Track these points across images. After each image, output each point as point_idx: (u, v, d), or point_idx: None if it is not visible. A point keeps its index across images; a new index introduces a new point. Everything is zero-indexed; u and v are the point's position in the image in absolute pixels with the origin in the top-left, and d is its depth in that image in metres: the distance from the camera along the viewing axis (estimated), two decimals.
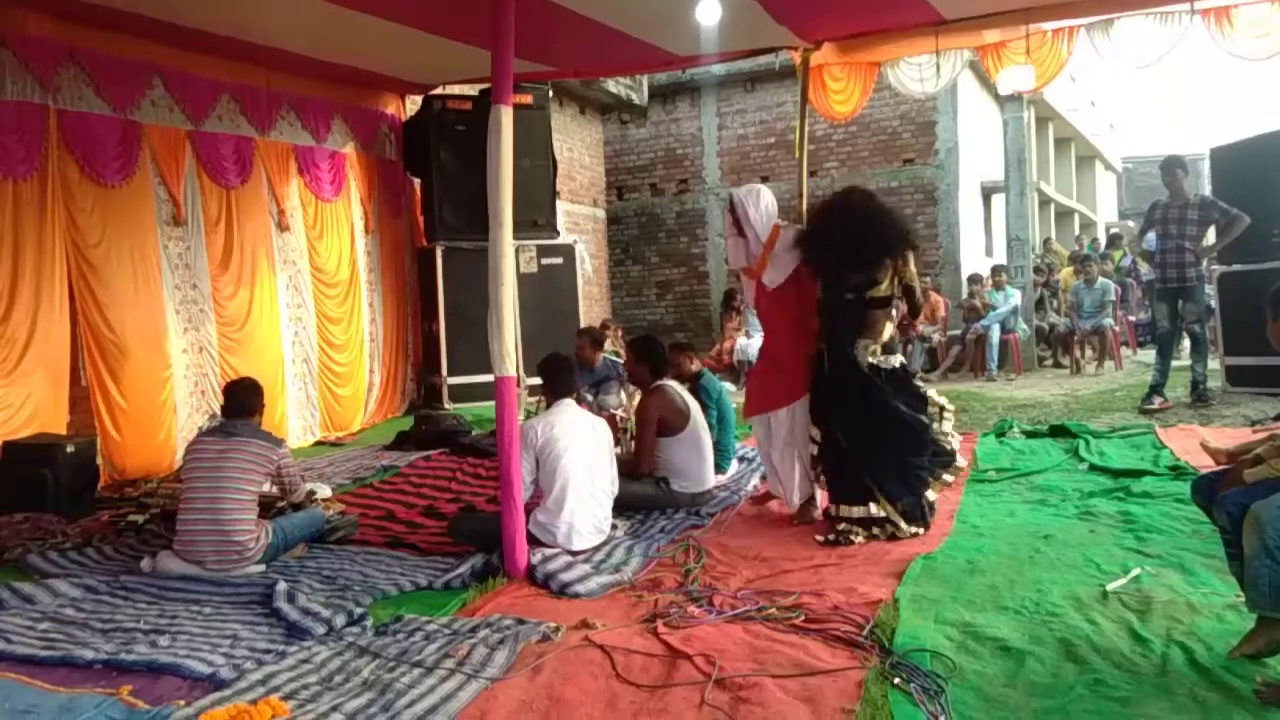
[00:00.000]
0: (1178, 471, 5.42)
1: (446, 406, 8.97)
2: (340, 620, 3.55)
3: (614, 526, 4.70)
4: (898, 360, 4.79)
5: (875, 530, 4.54)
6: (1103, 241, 18.91)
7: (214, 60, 7.37)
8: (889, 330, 4.76)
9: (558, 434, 4.45)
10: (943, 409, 4.91)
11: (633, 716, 2.73)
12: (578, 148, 14.27)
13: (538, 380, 4.98)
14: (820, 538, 4.55)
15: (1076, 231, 20.96)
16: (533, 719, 2.75)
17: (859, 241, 4.60)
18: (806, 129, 8.09)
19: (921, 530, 4.55)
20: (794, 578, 3.95)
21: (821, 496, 4.96)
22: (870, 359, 4.65)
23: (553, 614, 3.57)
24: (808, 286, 4.82)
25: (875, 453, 4.60)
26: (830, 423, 4.74)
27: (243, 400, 4.60)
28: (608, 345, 8.50)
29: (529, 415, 5.94)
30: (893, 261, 4.68)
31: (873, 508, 4.55)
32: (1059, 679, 2.83)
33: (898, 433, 4.63)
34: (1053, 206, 20.47)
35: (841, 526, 4.57)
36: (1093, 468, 5.76)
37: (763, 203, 4.93)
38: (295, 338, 8.25)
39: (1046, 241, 16.74)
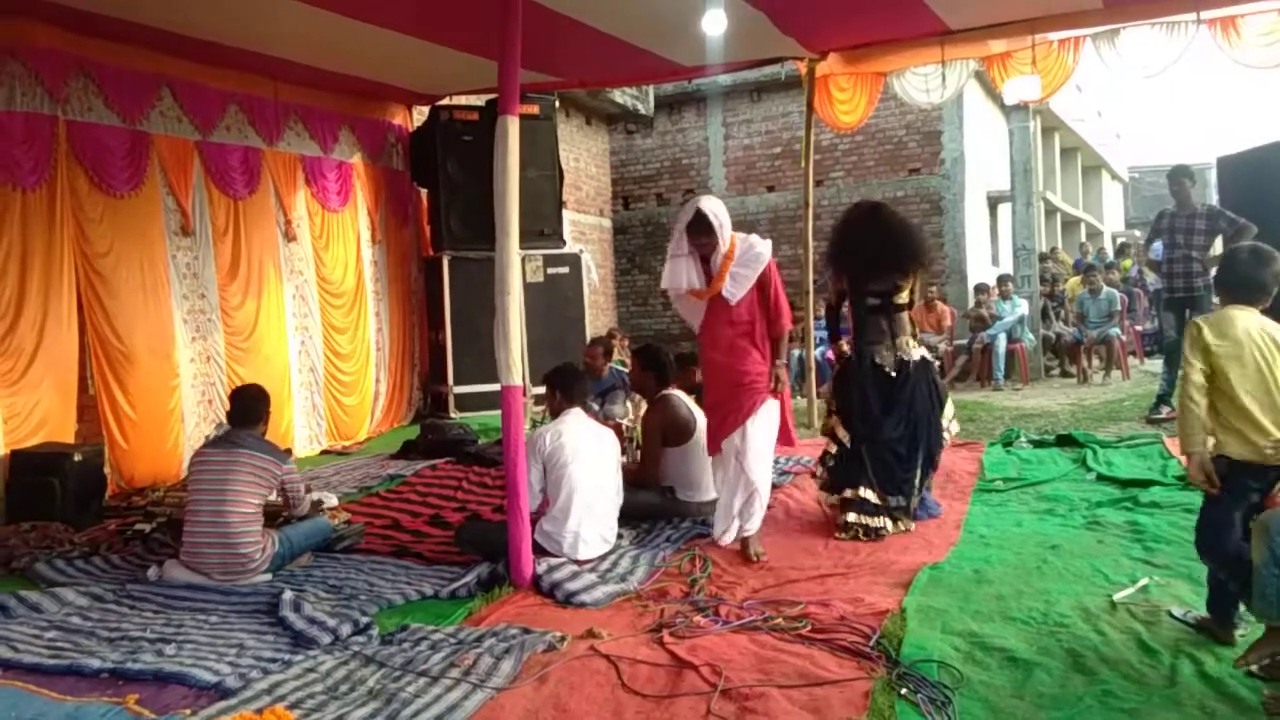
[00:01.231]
0: (1185, 481, 5.40)
1: (452, 416, 8.97)
2: (346, 629, 3.56)
3: (620, 536, 4.69)
4: (920, 351, 5.09)
5: (880, 521, 4.78)
6: (1110, 251, 18.90)
7: (222, 71, 7.41)
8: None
9: (565, 443, 4.45)
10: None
11: None
12: (584, 158, 14.31)
13: (541, 389, 4.97)
14: (840, 535, 4.76)
15: (1083, 240, 20.92)
16: None
17: (889, 252, 4.97)
18: (812, 139, 8.11)
19: (912, 526, 4.86)
20: (800, 587, 3.94)
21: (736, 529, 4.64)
22: (905, 354, 4.98)
23: (558, 623, 3.56)
24: (767, 297, 4.61)
25: (882, 450, 4.90)
26: (857, 421, 4.96)
27: (249, 408, 4.60)
28: (614, 355, 8.51)
29: (535, 424, 5.94)
30: (915, 273, 5.07)
31: (870, 494, 4.83)
32: (1067, 690, 2.82)
33: (904, 433, 4.92)
34: (1059, 216, 20.45)
35: (850, 518, 4.78)
36: (1100, 477, 5.74)
37: (724, 209, 4.63)
38: (302, 347, 8.27)
39: (1053, 250, 16.71)
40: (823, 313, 10.13)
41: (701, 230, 4.51)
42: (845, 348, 5.15)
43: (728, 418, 4.59)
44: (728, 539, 4.61)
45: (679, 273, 4.63)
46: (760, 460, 4.57)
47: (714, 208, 4.54)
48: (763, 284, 4.59)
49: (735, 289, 4.55)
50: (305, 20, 6.22)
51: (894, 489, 4.86)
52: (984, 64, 7.89)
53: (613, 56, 7.49)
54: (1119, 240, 21.76)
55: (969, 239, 13.45)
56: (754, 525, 4.55)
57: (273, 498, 4.64)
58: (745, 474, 4.52)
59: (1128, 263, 15.43)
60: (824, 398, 5.37)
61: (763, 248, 4.60)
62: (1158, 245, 8.11)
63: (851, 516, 4.77)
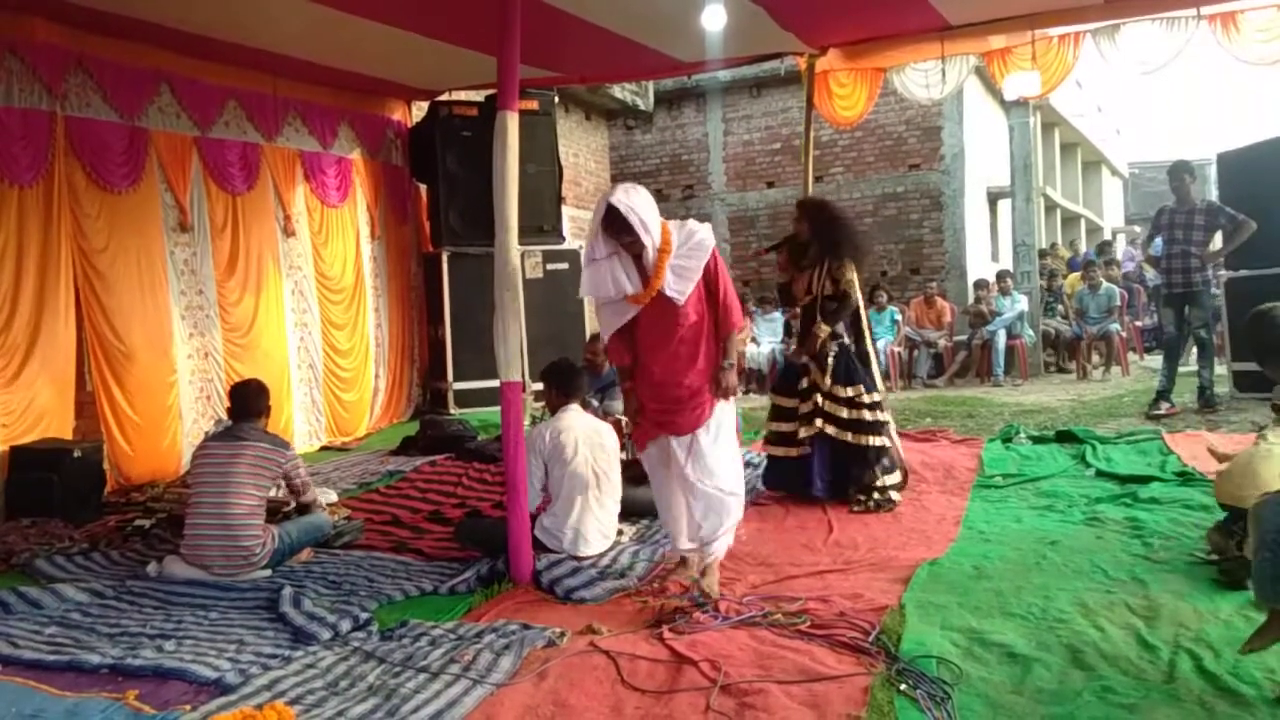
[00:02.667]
0: (1185, 477, 5.41)
1: (452, 412, 8.97)
2: (346, 625, 3.56)
3: (620, 532, 4.70)
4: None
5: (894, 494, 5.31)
6: (1114, 245, 18.89)
7: (221, 67, 7.39)
8: None
9: (565, 440, 4.44)
10: None
11: None
12: (583, 153, 14.30)
13: (541, 385, 4.96)
14: (859, 507, 5.19)
15: (1071, 239, 20.92)
16: None
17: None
18: (812, 134, 8.09)
19: None
20: (800, 583, 3.94)
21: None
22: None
23: (558, 619, 3.57)
24: (713, 292, 3.97)
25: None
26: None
27: (249, 402, 4.60)
28: None
29: (534, 420, 5.94)
30: None
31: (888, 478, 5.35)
32: (1066, 685, 2.82)
33: None
34: (1059, 212, 20.46)
35: (879, 497, 5.24)
36: (1100, 473, 5.74)
37: (646, 198, 3.86)
38: (301, 343, 8.27)
39: (1052, 246, 16.71)
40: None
41: (619, 228, 3.78)
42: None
43: (664, 427, 4.00)
44: (686, 544, 4.11)
45: (602, 278, 3.87)
46: (726, 471, 3.97)
47: (629, 200, 3.76)
48: (707, 277, 3.93)
49: (680, 285, 3.84)
50: (305, 16, 6.21)
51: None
52: (984, 59, 7.87)
53: (612, 52, 7.47)
54: (1116, 235, 21.76)
55: (969, 235, 13.45)
56: (719, 549, 3.98)
57: (274, 492, 4.65)
58: (706, 490, 3.92)
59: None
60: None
61: (704, 234, 3.93)
62: (1158, 241, 8.11)
63: (868, 501, 5.23)
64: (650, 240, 3.80)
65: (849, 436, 5.28)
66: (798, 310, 5.63)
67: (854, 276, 5.36)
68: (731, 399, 4.06)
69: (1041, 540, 4.38)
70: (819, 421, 5.31)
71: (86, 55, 6.46)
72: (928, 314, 11.98)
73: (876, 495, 5.23)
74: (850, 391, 5.31)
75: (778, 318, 11.70)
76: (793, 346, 5.87)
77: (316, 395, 8.36)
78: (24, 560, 4.77)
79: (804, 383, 5.42)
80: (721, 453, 3.96)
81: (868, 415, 5.33)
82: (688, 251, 3.85)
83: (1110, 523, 4.63)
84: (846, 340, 5.43)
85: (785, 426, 5.48)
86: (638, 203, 3.78)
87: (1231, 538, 3.68)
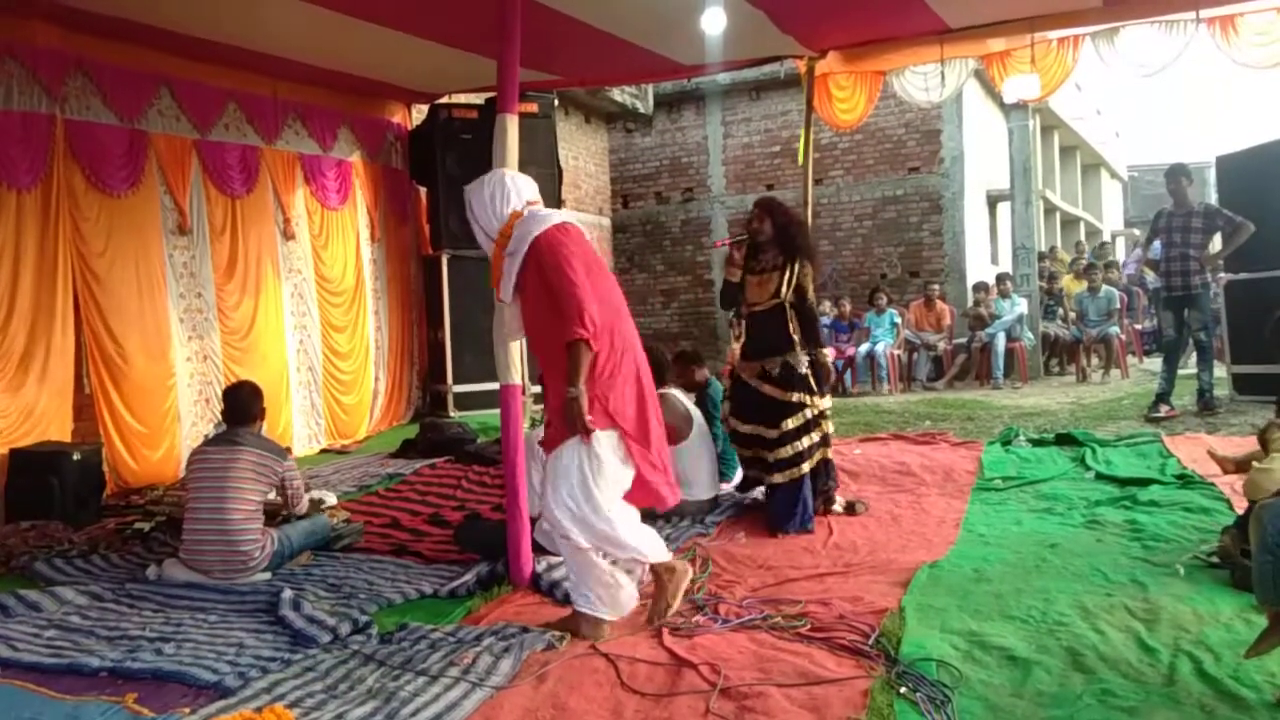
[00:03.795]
0: (1184, 480, 5.41)
1: (452, 414, 8.97)
2: (345, 628, 3.56)
3: None
4: None
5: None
6: (1112, 248, 18.88)
7: (221, 70, 7.40)
8: None
9: None
10: None
11: None
12: (583, 156, 14.31)
13: (539, 388, 4.96)
14: (839, 508, 5.19)
15: (1082, 239, 20.93)
16: None
17: None
18: (812, 137, 8.10)
19: None
20: (799, 586, 3.94)
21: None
22: None
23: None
24: (554, 293, 3.35)
25: None
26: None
27: (244, 406, 4.59)
28: None
29: (534, 423, 5.94)
30: None
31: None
32: (1066, 688, 2.82)
33: None
34: (1058, 215, 20.46)
35: (846, 500, 5.27)
36: (1099, 476, 5.74)
37: (487, 191, 3.54)
38: (300, 346, 8.26)
39: (1052, 249, 16.72)
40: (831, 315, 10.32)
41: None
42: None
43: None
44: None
45: (502, 274, 3.56)
46: (551, 511, 3.38)
47: (469, 191, 3.62)
48: (542, 271, 3.35)
49: (504, 282, 3.49)
50: (305, 18, 6.22)
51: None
52: (983, 62, 7.88)
53: (612, 55, 7.48)
54: (1118, 239, 21.76)
55: (968, 238, 13.46)
56: (569, 593, 3.55)
57: (272, 496, 4.64)
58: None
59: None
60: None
61: (532, 225, 3.40)
62: (1157, 244, 8.13)
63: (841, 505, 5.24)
64: (480, 231, 3.59)
65: (828, 452, 5.20)
66: (743, 312, 5.26)
67: (810, 283, 5.16)
68: (591, 439, 3.30)
69: (1041, 543, 4.38)
70: (827, 451, 5.16)
71: (86, 58, 6.46)
72: (927, 317, 11.98)
73: (841, 500, 5.24)
74: (826, 403, 5.15)
75: None
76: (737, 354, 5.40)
77: (316, 398, 8.36)
78: (23, 563, 4.76)
79: (791, 422, 4.96)
80: (549, 492, 3.39)
81: (830, 427, 5.22)
82: (514, 242, 3.43)
83: (1110, 525, 4.63)
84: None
85: (761, 454, 5.09)
86: (474, 194, 3.58)
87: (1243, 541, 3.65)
